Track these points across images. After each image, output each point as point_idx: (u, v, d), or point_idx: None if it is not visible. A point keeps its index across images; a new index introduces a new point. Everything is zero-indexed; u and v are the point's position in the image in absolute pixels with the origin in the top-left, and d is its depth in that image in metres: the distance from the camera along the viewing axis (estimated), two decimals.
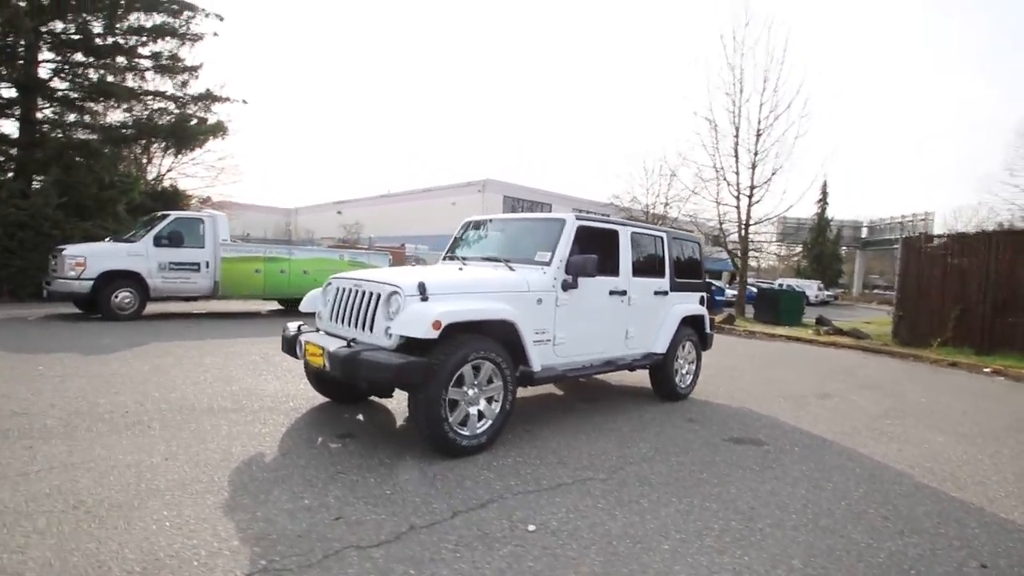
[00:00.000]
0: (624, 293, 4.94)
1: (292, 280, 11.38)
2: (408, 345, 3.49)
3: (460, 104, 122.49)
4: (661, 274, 5.48)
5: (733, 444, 4.31)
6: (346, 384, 4.67)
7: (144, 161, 16.86)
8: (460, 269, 4.32)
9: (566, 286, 4.35)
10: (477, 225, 5.43)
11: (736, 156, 17.64)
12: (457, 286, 3.83)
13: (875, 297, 47.08)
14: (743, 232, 18.26)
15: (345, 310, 3.96)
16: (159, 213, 10.54)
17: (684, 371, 5.76)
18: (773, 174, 17.36)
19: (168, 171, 18.33)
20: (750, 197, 17.76)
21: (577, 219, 4.58)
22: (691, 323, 5.77)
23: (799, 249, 48.81)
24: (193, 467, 3.18)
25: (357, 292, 3.91)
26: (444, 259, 5.30)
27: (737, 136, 17.52)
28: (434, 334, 3.33)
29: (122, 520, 2.51)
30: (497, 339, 3.75)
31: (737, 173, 17.77)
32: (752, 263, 23.49)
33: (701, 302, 6.02)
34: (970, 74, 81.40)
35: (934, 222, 41.48)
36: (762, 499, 3.25)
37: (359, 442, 3.79)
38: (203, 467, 3.19)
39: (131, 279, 9.30)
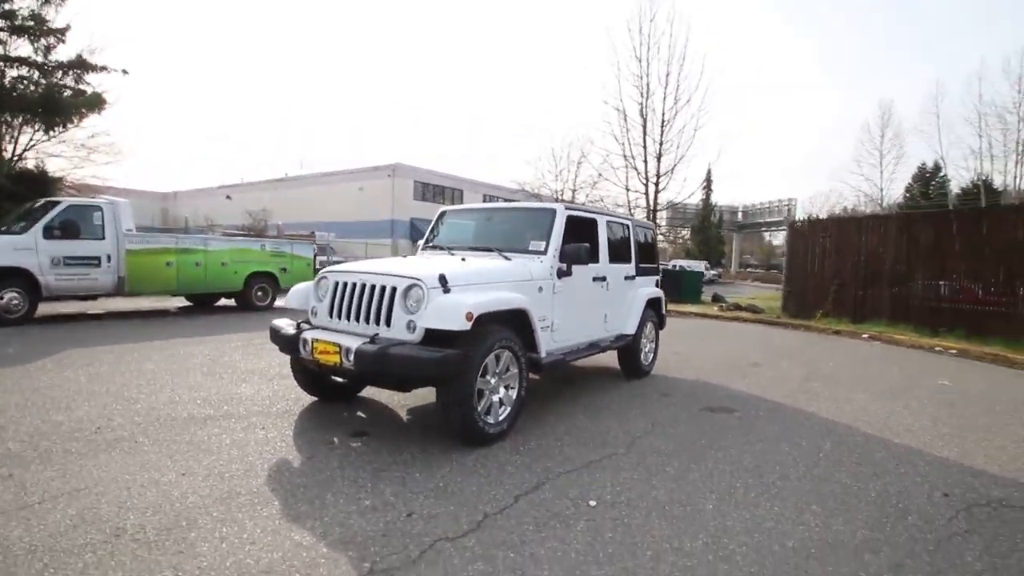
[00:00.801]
0: (604, 279, 5.24)
1: (209, 273, 10.46)
2: (427, 338, 3.49)
3: (361, 84, 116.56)
4: (629, 260, 5.85)
5: (710, 413, 4.80)
6: (339, 382, 4.55)
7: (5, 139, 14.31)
8: (463, 260, 4.33)
9: (560, 274, 4.54)
10: (455, 214, 5.42)
11: (645, 145, 18.78)
12: (472, 277, 3.86)
13: (749, 275, 52.46)
14: (651, 217, 19.54)
15: (351, 305, 3.82)
16: (45, 200, 9.14)
17: (647, 350, 6.22)
18: (676, 164, 18.75)
19: (27, 149, 15.70)
20: (656, 184, 19.03)
21: (566, 208, 4.76)
22: (652, 305, 6.22)
23: (685, 232, 53.22)
24: (220, 480, 2.98)
25: (366, 286, 3.79)
26: (426, 249, 5.25)
27: (645, 126, 18.64)
28: (467, 326, 3.37)
29: (182, 543, 2.33)
30: (511, 328, 3.85)
31: (646, 161, 18.94)
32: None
33: (657, 285, 6.51)
34: (823, 77, 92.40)
35: (796, 207, 47.03)
36: (760, 458, 3.70)
37: (377, 439, 3.73)
38: (232, 479, 2.99)
39: (18, 277, 8.03)
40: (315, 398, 4.58)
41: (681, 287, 18.06)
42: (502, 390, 3.81)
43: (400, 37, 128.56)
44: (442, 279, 3.57)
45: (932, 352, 9.33)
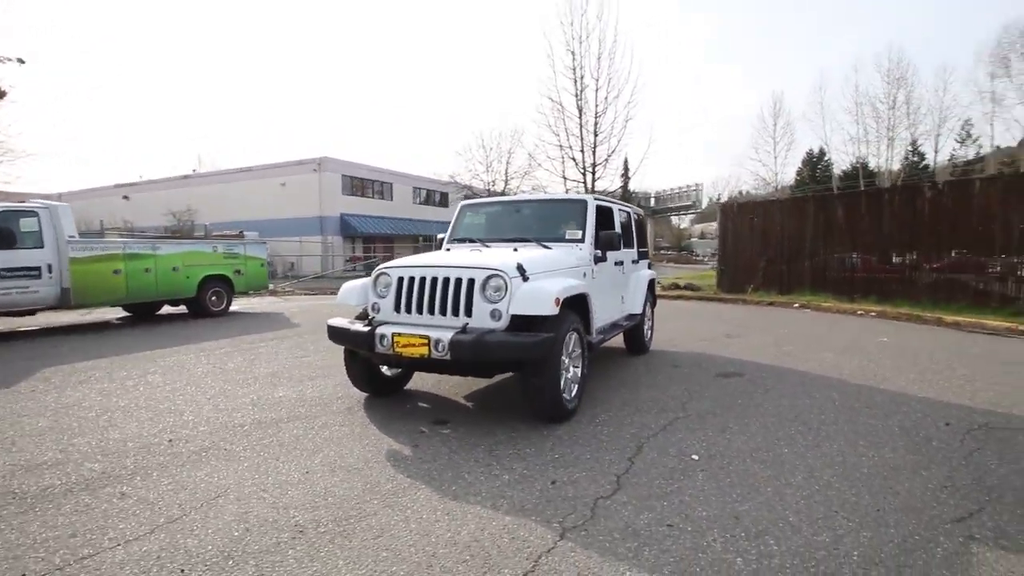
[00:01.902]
0: (622, 263, 5.65)
1: (160, 280, 9.74)
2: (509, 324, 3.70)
3: (280, 80, 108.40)
4: (632, 244, 6.31)
5: (724, 378, 5.37)
6: (388, 378, 4.61)
7: None
8: (515, 250, 4.52)
9: (596, 260, 4.89)
10: (479, 208, 5.59)
11: (581, 136, 19.52)
12: (539, 266, 4.09)
13: (663, 257, 55.80)
14: None
15: (423, 299, 3.93)
16: None
17: (647, 327, 6.74)
18: (610, 154, 19.68)
19: None
20: (593, 174, 19.87)
21: (595, 199, 5.11)
22: (650, 286, 6.75)
23: None
24: (349, 473, 3.04)
25: (438, 280, 3.91)
26: (453, 242, 5.37)
27: (581, 117, 19.36)
28: (556, 310, 3.63)
29: (370, 530, 2.44)
30: (574, 311, 4.15)
31: (583, 151, 19.69)
32: None
33: (650, 267, 7.05)
34: (724, 65, 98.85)
35: (703, 191, 50.58)
36: (792, 410, 4.28)
37: (460, 425, 3.90)
38: (360, 471, 3.07)
39: None
40: (365, 394, 4.62)
41: None
42: (572, 369, 4.10)
43: (318, 31, 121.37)
44: (520, 268, 3.79)
45: (855, 315, 10.71)
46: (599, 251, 4.87)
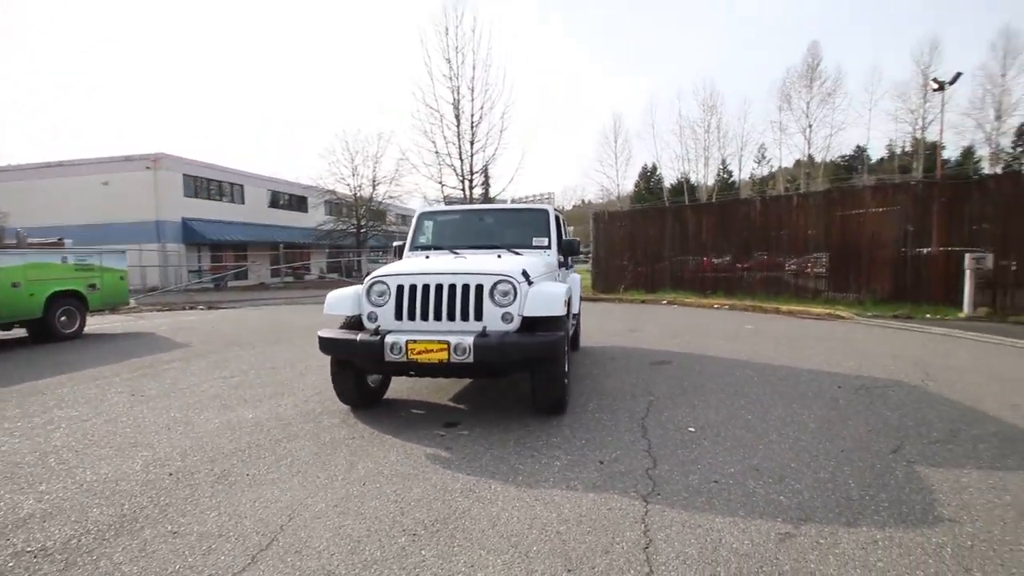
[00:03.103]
0: (566, 266, 6.18)
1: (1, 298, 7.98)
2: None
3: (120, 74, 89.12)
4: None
5: (660, 366, 6.18)
6: (372, 388, 4.56)
7: None
8: (499, 257, 4.75)
9: (560, 264, 5.34)
10: (439, 216, 5.70)
11: (460, 145, 19.94)
12: (533, 271, 4.40)
13: None
14: None
15: (427, 305, 4.01)
16: None
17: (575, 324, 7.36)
18: (487, 163, 20.40)
19: None
20: (471, 181, 20.41)
21: (554, 210, 5.56)
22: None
23: None
24: (406, 480, 3.09)
25: (443, 287, 4.02)
26: (414, 249, 5.41)
27: (459, 127, 19.79)
28: (564, 311, 3.99)
29: (480, 525, 2.58)
30: None
31: (461, 160, 20.12)
32: None
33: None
34: (586, 79, 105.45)
35: (555, 198, 54.14)
36: (733, 387, 5.15)
37: (470, 426, 4.06)
38: (416, 477, 3.13)
39: None
40: (347, 408, 4.52)
41: None
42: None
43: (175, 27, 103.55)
44: (525, 274, 4.08)
45: (713, 308, 12.64)
46: (561, 256, 5.33)
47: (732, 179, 46.22)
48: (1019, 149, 39.95)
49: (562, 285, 4.41)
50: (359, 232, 30.54)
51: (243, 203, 29.57)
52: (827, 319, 10.29)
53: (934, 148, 37.92)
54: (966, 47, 62.37)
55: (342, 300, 4.26)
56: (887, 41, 66.71)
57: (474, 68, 19.71)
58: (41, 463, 3.44)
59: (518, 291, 3.97)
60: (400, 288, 4.09)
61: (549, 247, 5.24)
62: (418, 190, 22.81)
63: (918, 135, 39.26)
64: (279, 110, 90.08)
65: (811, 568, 2.16)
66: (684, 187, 42.68)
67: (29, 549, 2.41)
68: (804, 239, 13.03)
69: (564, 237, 6.13)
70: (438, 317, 4.00)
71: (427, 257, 5.02)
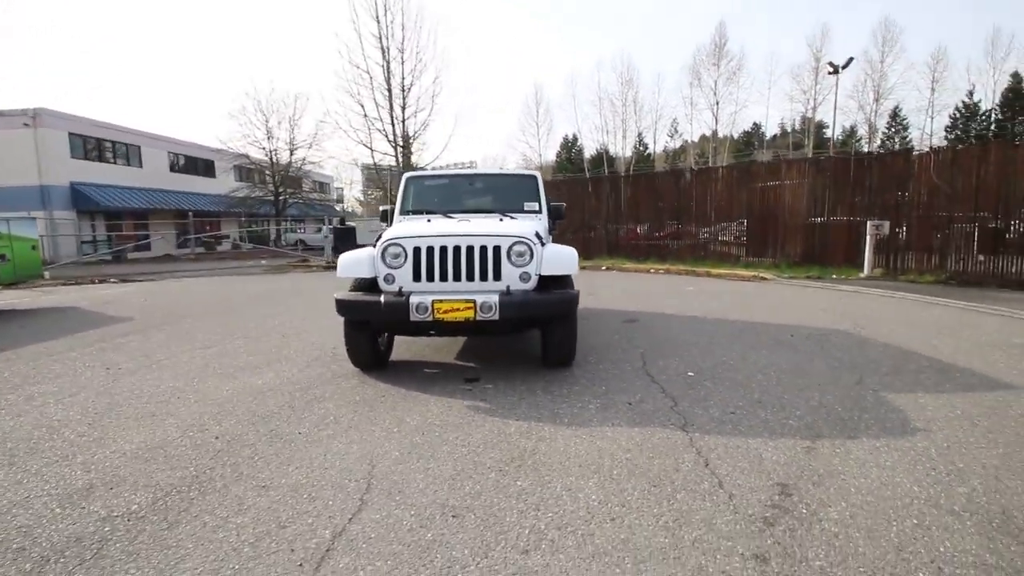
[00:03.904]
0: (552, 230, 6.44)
1: None
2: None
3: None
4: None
5: (631, 323, 6.68)
6: (382, 351, 4.64)
7: None
8: (500, 220, 4.90)
9: (550, 228, 5.60)
10: (427, 180, 5.72)
11: (391, 110, 19.31)
12: (541, 233, 4.62)
13: None
14: (399, 178, 20.39)
15: (444, 266, 4.12)
16: None
17: None
18: (419, 129, 19.97)
19: None
20: (405, 147, 19.91)
21: (540, 176, 5.77)
22: None
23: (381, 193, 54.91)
24: (458, 429, 3.28)
25: (460, 248, 4.14)
26: (407, 213, 5.42)
27: (391, 90, 19.12)
28: (578, 270, 4.26)
29: (558, 461, 2.85)
30: None
31: (392, 124, 19.53)
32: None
33: None
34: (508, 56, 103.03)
35: (477, 167, 53.88)
36: (704, 339, 5.72)
37: (491, 380, 4.28)
38: (467, 426, 3.32)
39: None
40: (356, 370, 4.57)
41: None
42: None
43: None
44: (538, 235, 4.30)
45: (650, 273, 13.51)
46: (550, 220, 5.59)
47: (648, 151, 48.35)
48: (892, 129, 45.22)
49: (568, 247, 4.67)
50: (277, 200, 28.82)
51: (141, 166, 26.75)
52: (753, 280, 11.40)
53: (819, 127, 41.93)
54: (852, 34, 68.84)
55: (358, 263, 4.26)
56: (785, 26, 71.95)
57: (403, 29, 19.04)
58: (58, 436, 3.24)
59: (534, 252, 4.19)
60: (417, 250, 4.16)
61: (540, 211, 5.46)
62: (347, 155, 21.83)
63: (809, 115, 43.17)
64: (181, 63, 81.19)
65: (839, 469, 2.65)
66: (603, 158, 44.08)
67: (116, 514, 2.36)
68: (728, 208, 14.19)
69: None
70: (457, 278, 4.13)
71: (428, 221, 5.07)
